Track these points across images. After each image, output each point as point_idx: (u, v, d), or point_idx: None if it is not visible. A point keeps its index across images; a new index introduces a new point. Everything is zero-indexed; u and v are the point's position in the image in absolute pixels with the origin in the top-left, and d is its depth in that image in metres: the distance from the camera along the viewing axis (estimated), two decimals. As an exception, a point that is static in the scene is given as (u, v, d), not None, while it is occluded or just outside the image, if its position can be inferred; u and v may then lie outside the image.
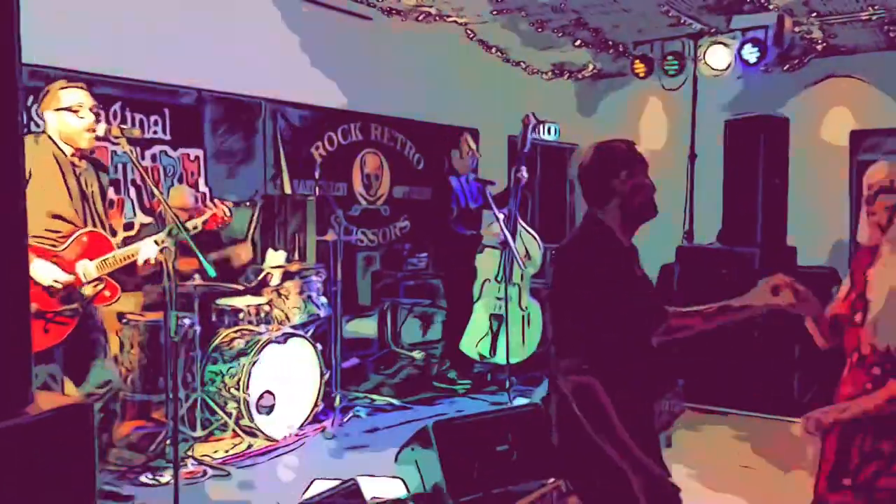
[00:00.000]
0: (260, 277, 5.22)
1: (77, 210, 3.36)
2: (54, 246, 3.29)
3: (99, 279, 3.38)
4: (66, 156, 3.37)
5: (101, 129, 3.34)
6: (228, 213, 3.54)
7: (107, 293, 3.41)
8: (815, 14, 6.75)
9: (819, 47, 7.70)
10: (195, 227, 3.44)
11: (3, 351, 1.44)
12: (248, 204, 5.58)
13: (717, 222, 6.06)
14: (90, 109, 3.38)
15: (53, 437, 1.48)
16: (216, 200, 3.57)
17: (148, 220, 5.28)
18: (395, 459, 3.74)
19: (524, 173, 5.73)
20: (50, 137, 3.36)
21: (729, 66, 6.59)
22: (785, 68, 7.98)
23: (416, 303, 6.84)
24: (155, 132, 5.44)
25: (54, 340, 3.25)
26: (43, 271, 3.20)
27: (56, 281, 3.22)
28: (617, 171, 2.23)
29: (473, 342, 5.87)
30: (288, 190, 6.31)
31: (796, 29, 6.96)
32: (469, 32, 7.65)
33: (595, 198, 2.27)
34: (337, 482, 3.16)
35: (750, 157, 5.77)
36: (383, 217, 7.40)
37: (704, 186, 6.52)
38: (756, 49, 6.44)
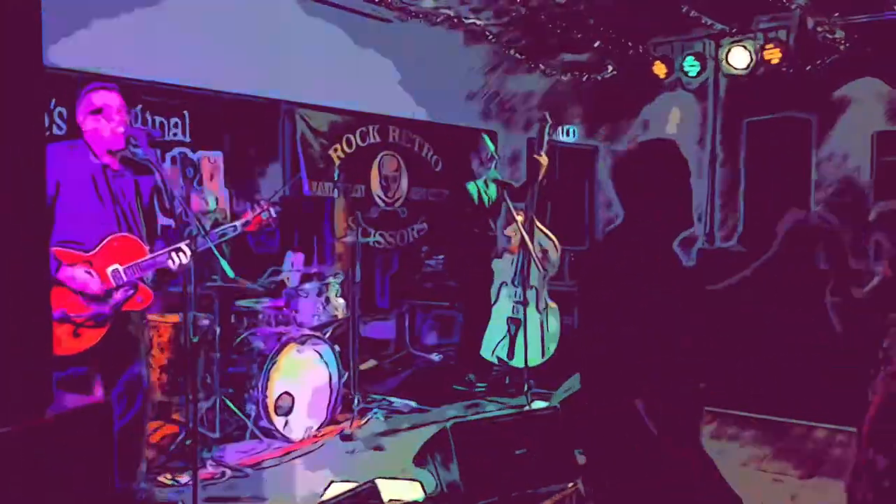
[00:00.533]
0: (278, 279, 5.23)
1: (110, 215, 3.35)
2: (86, 251, 3.29)
3: (130, 284, 3.37)
4: (98, 158, 3.37)
5: (124, 129, 3.34)
6: (273, 215, 3.53)
7: (138, 298, 3.41)
8: (837, 14, 6.68)
9: (842, 47, 7.61)
10: (234, 229, 3.43)
11: (24, 353, 1.44)
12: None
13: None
14: (120, 111, 3.37)
15: (73, 436, 1.48)
16: (262, 202, 3.54)
17: (167, 221, 5.31)
18: (413, 461, 3.74)
19: (541, 160, 5.61)
20: (84, 142, 3.37)
21: (750, 66, 6.54)
22: (807, 69, 7.89)
23: (434, 305, 6.84)
24: (175, 134, 5.48)
25: (86, 344, 3.24)
26: (77, 279, 3.21)
27: (89, 288, 3.24)
28: (662, 173, 2.12)
29: (491, 345, 5.85)
30: (307, 191, 6.33)
31: (819, 29, 6.89)
32: (488, 34, 7.64)
33: (635, 198, 2.14)
34: (355, 484, 3.16)
35: (772, 159, 5.72)
36: (401, 219, 7.41)
37: (725, 188, 6.48)
38: (777, 49, 6.39)
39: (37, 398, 1.47)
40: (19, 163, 1.42)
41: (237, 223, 3.61)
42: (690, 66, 6.94)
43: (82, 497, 1.49)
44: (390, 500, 3.39)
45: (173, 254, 3.36)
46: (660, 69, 7.18)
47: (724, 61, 6.62)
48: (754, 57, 6.45)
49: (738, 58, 6.53)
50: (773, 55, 6.35)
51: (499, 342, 5.83)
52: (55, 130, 4.66)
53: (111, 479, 1.54)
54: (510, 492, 3.46)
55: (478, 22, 7.27)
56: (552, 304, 5.95)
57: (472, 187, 5.95)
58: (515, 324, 5.75)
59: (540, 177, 5.67)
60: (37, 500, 1.41)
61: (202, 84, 5.61)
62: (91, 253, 3.30)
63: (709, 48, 6.80)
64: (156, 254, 3.39)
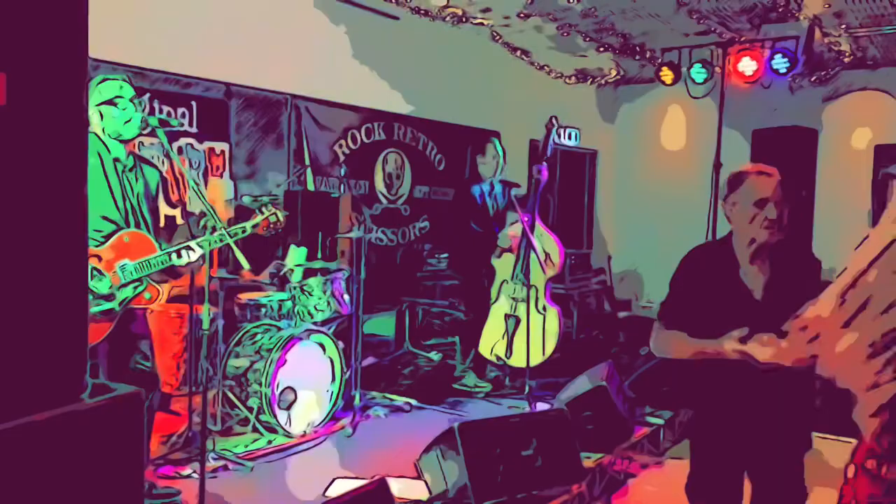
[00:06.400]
0: (282, 273, 5.21)
1: (120, 209, 3.31)
2: (95, 245, 3.23)
3: (139, 281, 3.32)
4: (109, 152, 3.32)
5: (137, 119, 3.31)
6: (280, 219, 3.51)
7: (147, 295, 3.36)
8: (844, 26, 6.72)
9: (847, 60, 7.66)
10: (244, 231, 3.41)
11: (61, 338, 1.43)
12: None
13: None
14: (131, 101, 3.33)
15: (106, 425, 1.47)
16: (270, 205, 3.53)
17: (173, 212, 5.29)
18: (419, 460, 3.73)
19: (543, 174, 5.67)
20: (94, 133, 3.32)
21: (757, 75, 6.56)
22: (812, 80, 7.93)
23: (435, 303, 6.83)
24: (182, 125, 5.45)
25: (91, 341, 3.19)
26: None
27: (98, 283, 3.19)
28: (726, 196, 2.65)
29: (490, 343, 5.84)
30: (311, 186, 6.31)
31: (826, 40, 6.92)
32: (495, 35, 7.64)
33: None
34: (359, 481, 3.15)
35: (777, 168, 5.72)
36: (403, 217, 7.39)
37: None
38: (785, 59, 6.41)
39: (71, 384, 1.46)
40: (63, 150, 1.41)
41: (247, 224, 3.57)
42: (697, 73, 6.95)
43: (114, 486, 1.48)
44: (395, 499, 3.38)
45: (183, 251, 3.32)
46: (666, 75, 7.18)
47: (731, 69, 6.62)
48: (762, 66, 6.46)
49: (746, 66, 6.55)
50: (781, 65, 6.37)
51: (497, 340, 5.83)
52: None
53: (142, 470, 1.52)
54: (516, 493, 3.46)
55: (485, 22, 7.27)
56: (552, 305, 5.95)
57: (476, 190, 5.95)
58: (514, 321, 5.75)
59: (542, 184, 5.69)
60: (68, 487, 1.40)
61: (210, 75, 5.59)
62: (100, 248, 3.25)
63: (716, 56, 6.82)
64: (165, 250, 3.34)
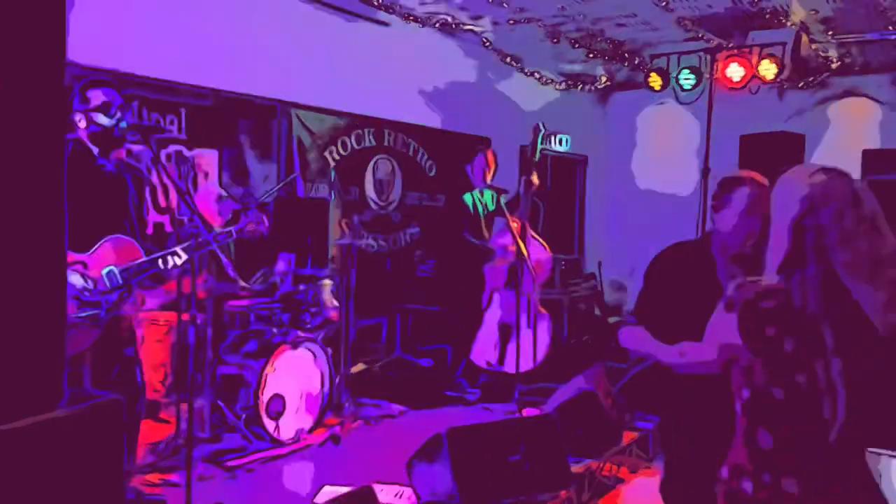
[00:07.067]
0: (271, 280, 5.20)
1: (105, 214, 3.30)
2: (81, 252, 3.23)
3: (126, 286, 3.32)
4: (95, 158, 3.32)
5: (124, 126, 3.31)
6: (265, 222, 3.51)
7: (132, 300, 3.35)
8: (831, 33, 6.77)
9: (834, 66, 7.71)
10: (230, 235, 3.40)
11: (38, 347, 1.43)
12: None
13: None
14: (119, 107, 3.33)
15: (85, 432, 1.47)
16: (256, 209, 3.54)
17: (161, 219, 5.28)
18: (407, 466, 3.72)
19: (533, 179, 5.69)
20: (79, 139, 3.32)
21: (745, 80, 6.60)
22: (800, 86, 7.98)
23: (425, 309, 6.83)
24: (171, 131, 5.44)
25: (78, 347, 3.16)
26: (71, 281, 3.11)
27: (83, 290, 3.18)
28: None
29: (482, 351, 5.85)
30: (301, 193, 6.31)
31: (813, 46, 6.97)
32: (485, 41, 7.66)
33: None
34: (347, 488, 3.14)
35: (765, 174, 5.74)
36: (394, 223, 7.39)
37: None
38: (773, 65, 6.45)
39: (49, 393, 1.46)
40: (40, 157, 1.41)
41: (232, 229, 3.57)
42: (685, 79, 6.99)
43: (94, 494, 1.48)
44: (383, 505, 3.37)
45: (169, 256, 3.32)
46: (655, 81, 7.22)
47: (718, 75, 6.67)
48: (749, 72, 6.50)
49: (733, 72, 6.59)
50: (768, 71, 6.41)
51: (489, 348, 5.84)
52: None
53: (123, 477, 1.52)
54: (504, 498, 3.46)
55: (476, 28, 7.29)
56: (542, 311, 5.96)
57: (468, 198, 5.96)
58: (506, 329, 5.76)
59: (532, 190, 5.71)
60: (47, 495, 1.40)
61: (199, 81, 5.58)
62: (86, 254, 3.24)
63: (704, 62, 6.86)
64: (151, 256, 3.34)
